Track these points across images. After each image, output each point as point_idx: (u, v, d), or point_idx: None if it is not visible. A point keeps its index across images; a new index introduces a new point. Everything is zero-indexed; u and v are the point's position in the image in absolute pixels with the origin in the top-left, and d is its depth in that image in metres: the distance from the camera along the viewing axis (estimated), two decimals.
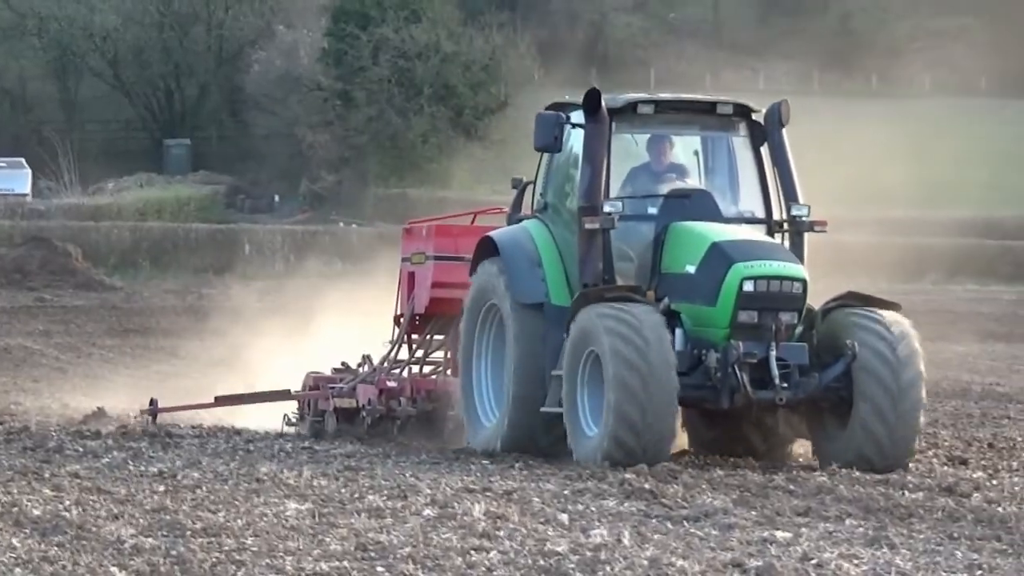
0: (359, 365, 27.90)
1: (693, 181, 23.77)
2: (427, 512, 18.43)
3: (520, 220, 24.45)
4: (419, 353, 27.99)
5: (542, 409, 22.89)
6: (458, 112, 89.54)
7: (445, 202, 75.88)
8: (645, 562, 16.02)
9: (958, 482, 21.16)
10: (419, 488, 20.13)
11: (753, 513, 19.02)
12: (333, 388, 27.37)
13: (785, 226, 23.48)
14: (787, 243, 23.45)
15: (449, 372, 26.76)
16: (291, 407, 28.41)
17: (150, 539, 16.39)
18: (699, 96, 24.11)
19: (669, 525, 18.19)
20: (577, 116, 23.21)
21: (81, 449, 24.20)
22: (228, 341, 41.44)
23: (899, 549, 16.71)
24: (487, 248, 23.89)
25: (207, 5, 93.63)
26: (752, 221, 23.72)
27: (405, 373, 27.58)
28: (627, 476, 21.34)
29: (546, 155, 24.12)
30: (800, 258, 23.07)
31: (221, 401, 28.09)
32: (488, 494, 19.86)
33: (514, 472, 21.99)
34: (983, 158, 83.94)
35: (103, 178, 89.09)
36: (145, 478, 21.08)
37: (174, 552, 15.71)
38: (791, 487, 20.99)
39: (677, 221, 23.03)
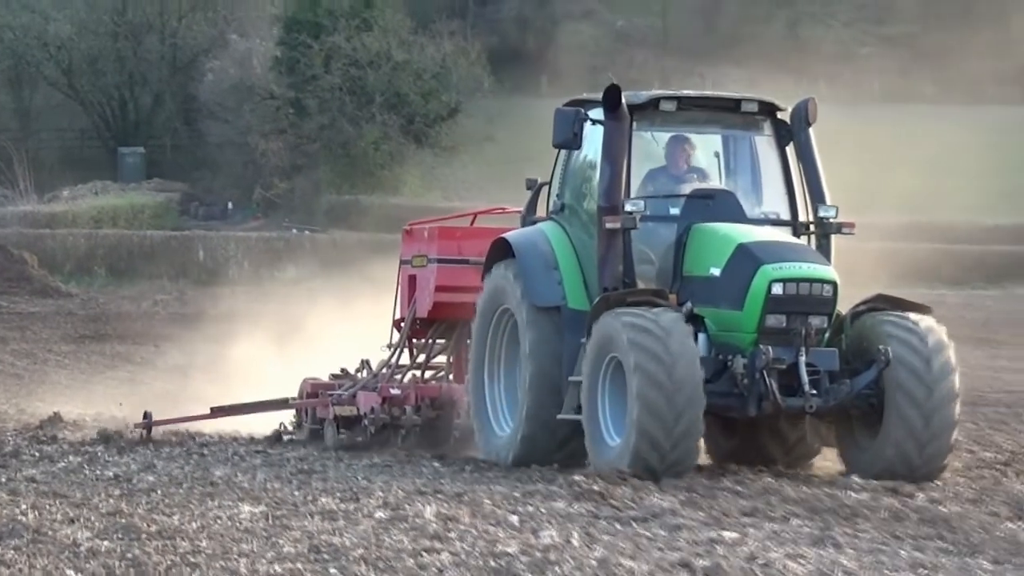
0: (357, 371, 26.92)
1: (714, 184, 22.71)
2: (379, 514, 18.49)
3: (535, 222, 23.37)
4: (420, 359, 26.89)
5: (559, 416, 21.84)
6: (409, 120, 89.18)
7: (398, 208, 75.84)
8: (594, 563, 16.13)
9: (902, 483, 20.86)
10: (371, 491, 20.17)
11: (700, 514, 19.00)
12: (332, 395, 26.04)
13: (812, 228, 22.46)
14: (813, 245, 22.47)
15: (452, 378, 25.83)
16: (288, 415, 27.46)
17: (106, 542, 16.43)
18: (723, 93, 23.19)
19: (618, 526, 18.24)
20: (595, 113, 22.09)
21: (37, 454, 24.35)
22: (184, 347, 42.26)
23: (844, 548, 16.82)
24: (501, 250, 22.87)
25: (160, 15, 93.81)
26: (777, 223, 22.60)
27: (407, 379, 26.45)
28: (576, 478, 21.27)
29: (563, 155, 23.05)
30: (828, 260, 22.06)
31: (217, 412, 26.98)
32: (439, 496, 19.88)
33: (464, 475, 22.02)
34: (920, 163, 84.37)
35: (58, 186, 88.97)
36: (101, 482, 21.18)
37: (129, 555, 15.76)
38: (738, 488, 20.95)
39: (699, 222, 21.96)
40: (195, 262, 70.19)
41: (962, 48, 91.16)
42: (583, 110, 22.18)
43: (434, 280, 25.19)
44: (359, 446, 24.60)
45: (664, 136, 22.59)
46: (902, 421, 20.76)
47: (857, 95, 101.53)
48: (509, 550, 16.60)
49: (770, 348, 20.73)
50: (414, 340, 26.45)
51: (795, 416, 21.42)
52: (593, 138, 22.37)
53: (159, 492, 19.98)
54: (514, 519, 18.44)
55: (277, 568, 15.43)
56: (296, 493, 20.10)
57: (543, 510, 19.15)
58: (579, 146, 22.24)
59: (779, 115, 22.59)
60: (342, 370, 27.29)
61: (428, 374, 26.65)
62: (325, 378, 27.36)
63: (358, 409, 25.26)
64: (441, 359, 26.38)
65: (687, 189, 22.31)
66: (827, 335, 21.43)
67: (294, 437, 26.78)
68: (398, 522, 18.08)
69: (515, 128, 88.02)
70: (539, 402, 21.80)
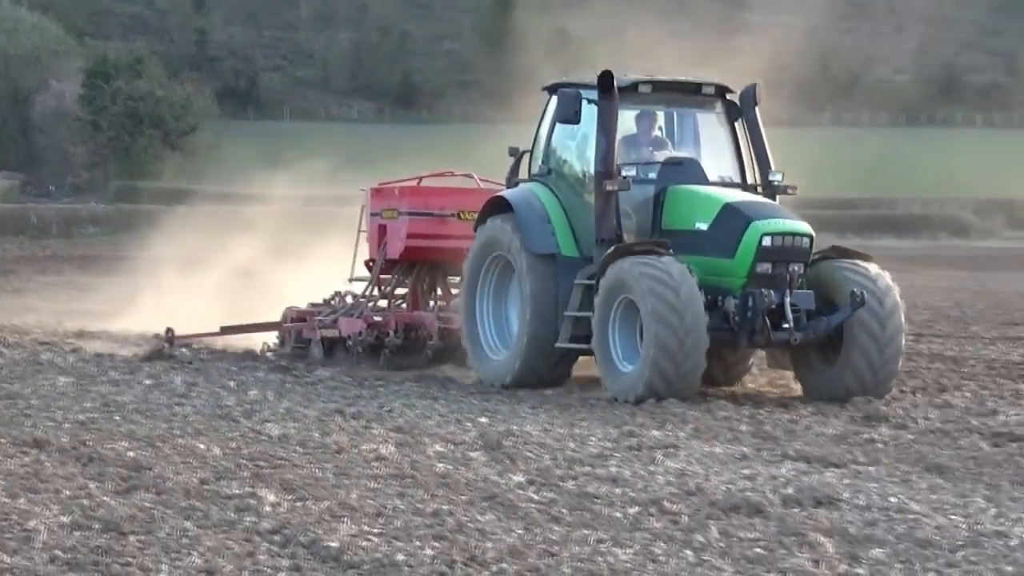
0: (330, 300, 21.81)
1: (671, 151, 18.69)
2: (147, 382, 17.97)
3: (517, 183, 19.17)
4: (393, 292, 21.68)
5: (556, 344, 17.86)
6: (166, 133, 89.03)
7: (160, 190, 75.24)
8: (283, 409, 15.79)
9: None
10: (141, 367, 19.45)
11: (348, 379, 18.57)
12: (320, 320, 21.34)
13: (759, 189, 18.44)
14: None
15: (404, 306, 21.23)
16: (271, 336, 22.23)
17: None
18: (687, 78, 18.95)
19: (299, 388, 17.79)
20: (588, 93, 18.06)
21: None
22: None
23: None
24: (495, 206, 18.85)
25: (7, 67, 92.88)
26: (731, 184, 18.54)
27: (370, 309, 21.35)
28: (270, 356, 20.96)
29: (544, 128, 18.81)
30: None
31: (225, 330, 22.22)
32: (186, 369, 19.33)
33: (201, 357, 20.89)
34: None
35: None
36: None
37: None
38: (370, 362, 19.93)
39: (673, 184, 18.07)
40: (30, 224, 67.90)
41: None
42: (581, 92, 18.20)
43: (406, 229, 21.05)
44: (347, 362, 20.39)
45: (633, 112, 18.73)
46: (860, 351, 17.08)
47: None
48: (229, 403, 16.19)
49: (771, 291, 16.94)
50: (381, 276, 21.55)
51: (781, 346, 17.44)
52: (585, 115, 18.31)
53: (5, 370, 19.01)
54: (232, 383, 17.91)
55: (81, 417, 14.93)
56: (94, 368, 19.29)
57: (251, 378, 18.63)
58: (579, 122, 18.17)
59: (728, 96, 18.87)
60: (325, 300, 21.99)
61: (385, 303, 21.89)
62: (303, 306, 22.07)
63: (339, 332, 21.08)
64: (400, 292, 21.64)
65: (655, 155, 18.54)
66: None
67: (276, 354, 21.60)
68: (159, 386, 17.58)
69: (232, 139, 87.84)
70: (537, 332, 18.02)
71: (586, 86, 18.05)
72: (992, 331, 25.55)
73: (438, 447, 13.60)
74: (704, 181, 18.12)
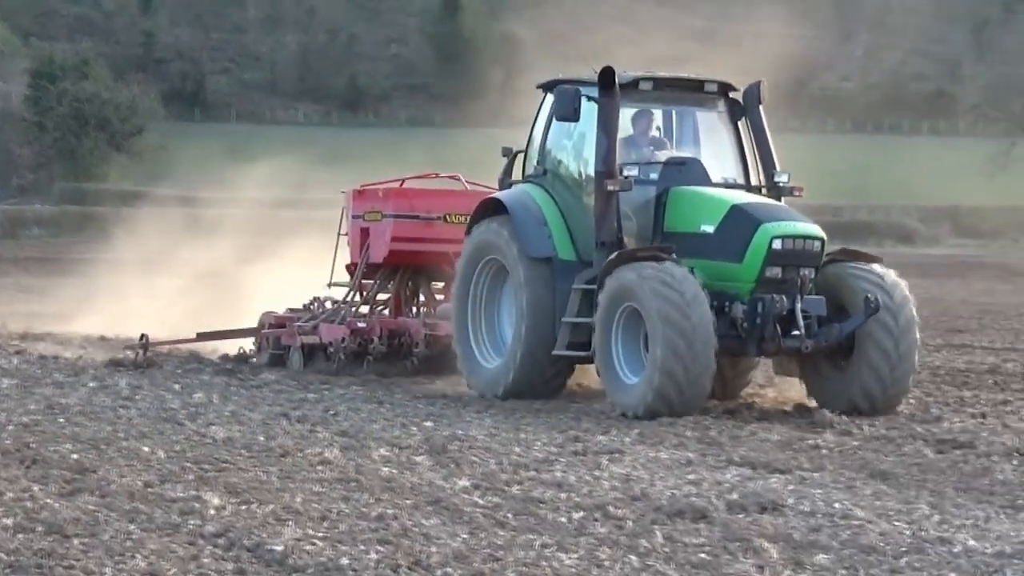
0: (308, 306, 21.21)
1: (672, 150, 17.86)
2: (91, 384, 17.98)
3: (510, 184, 18.43)
4: (379, 297, 20.99)
5: (554, 352, 17.03)
6: (112, 135, 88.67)
7: (106, 192, 74.97)
8: (228, 412, 15.84)
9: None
10: (86, 369, 19.50)
11: (293, 382, 18.61)
12: (300, 326, 20.57)
13: (763, 191, 17.57)
14: None
15: (386, 313, 20.62)
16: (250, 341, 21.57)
17: None
18: (689, 75, 18.03)
19: (244, 391, 17.81)
20: (588, 91, 17.19)
21: None
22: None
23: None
24: (488, 208, 18.02)
25: None
26: (735, 186, 17.64)
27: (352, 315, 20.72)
28: (215, 360, 20.83)
29: (539, 128, 18.01)
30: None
31: (202, 337, 21.47)
32: (130, 373, 19.25)
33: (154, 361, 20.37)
34: None
35: None
36: None
37: None
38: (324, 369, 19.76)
39: (675, 186, 17.17)
40: None
41: None
42: (580, 89, 17.24)
43: (390, 232, 20.33)
44: (330, 371, 19.66)
45: (633, 109, 17.82)
46: (870, 367, 16.23)
47: None
48: (174, 405, 16.24)
49: (783, 296, 16.08)
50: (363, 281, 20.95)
51: (791, 355, 16.63)
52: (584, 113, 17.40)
53: None
54: (176, 386, 17.95)
55: (25, 419, 14.96)
56: (38, 371, 19.27)
57: (196, 381, 18.67)
58: (578, 119, 17.18)
59: (732, 95, 17.99)
60: (304, 304, 21.35)
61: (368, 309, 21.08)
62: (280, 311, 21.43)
63: (320, 338, 20.27)
64: (380, 297, 20.95)
65: (656, 156, 17.70)
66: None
67: (255, 360, 21.04)
68: (104, 389, 17.61)
69: (178, 141, 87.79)
70: (534, 338, 17.15)
71: (585, 83, 17.22)
72: (937, 338, 25.60)
73: (383, 451, 13.57)
74: (707, 182, 17.32)
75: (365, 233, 20.52)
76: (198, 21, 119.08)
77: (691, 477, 12.68)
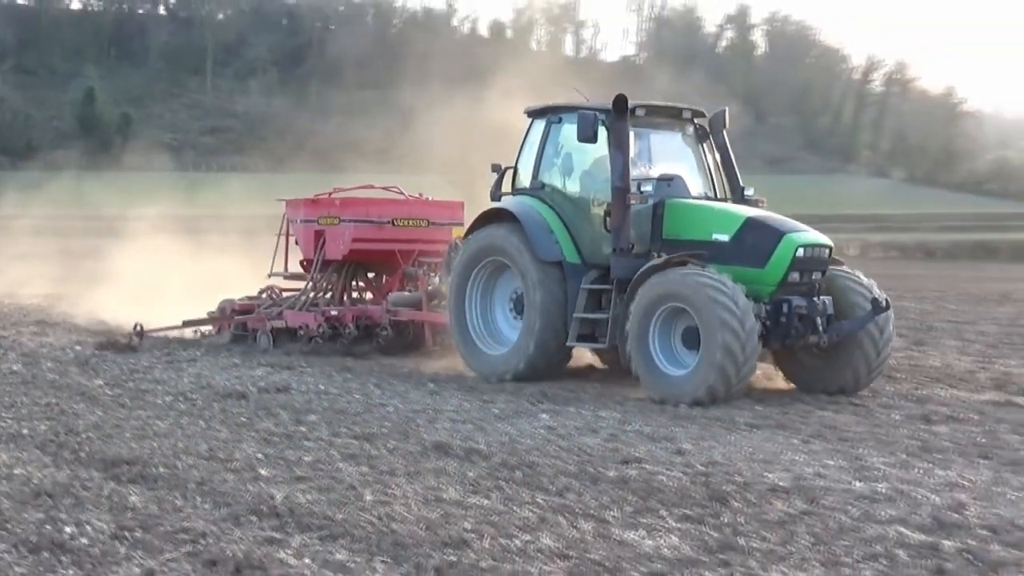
0: (262, 293, 23.73)
1: (653, 168, 19.14)
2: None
3: (500, 197, 19.75)
4: (345, 289, 23.46)
5: (567, 343, 18.47)
6: None
7: None
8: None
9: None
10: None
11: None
12: (268, 312, 22.75)
13: (730, 202, 18.99)
14: None
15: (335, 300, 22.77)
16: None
17: None
18: (671, 103, 19.40)
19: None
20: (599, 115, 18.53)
21: None
22: None
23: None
24: (492, 215, 19.35)
25: None
26: (708, 198, 19.11)
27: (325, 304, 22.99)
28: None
29: (534, 146, 19.55)
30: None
31: (188, 324, 23.32)
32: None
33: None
34: None
35: None
36: None
37: None
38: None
39: (669, 198, 18.41)
40: None
41: None
42: (599, 114, 18.45)
43: (351, 233, 22.26)
44: (298, 351, 21.62)
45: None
46: (863, 353, 17.68)
47: None
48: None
49: (814, 298, 17.51)
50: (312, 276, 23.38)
51: (804, 348, 17.99)
52: (566, 132, 19.33)
53: None
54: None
55: None
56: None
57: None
58: (596, 141, 18.34)
59: (698, 120, 19.55)
60: (261, 292, 24.01)
61: (326, 298, 23.38)
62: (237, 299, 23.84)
63: (286, 323, 22.30)
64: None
65: (647, 172, 18.99)
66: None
67: (215, 340, 23.09)
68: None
69: None
70: (547, 331, 18.50)
71: (600, 109, 18.46)
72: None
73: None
74: (687, 195, 18.67)
75: (319, 235, 22.66)
76: None
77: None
